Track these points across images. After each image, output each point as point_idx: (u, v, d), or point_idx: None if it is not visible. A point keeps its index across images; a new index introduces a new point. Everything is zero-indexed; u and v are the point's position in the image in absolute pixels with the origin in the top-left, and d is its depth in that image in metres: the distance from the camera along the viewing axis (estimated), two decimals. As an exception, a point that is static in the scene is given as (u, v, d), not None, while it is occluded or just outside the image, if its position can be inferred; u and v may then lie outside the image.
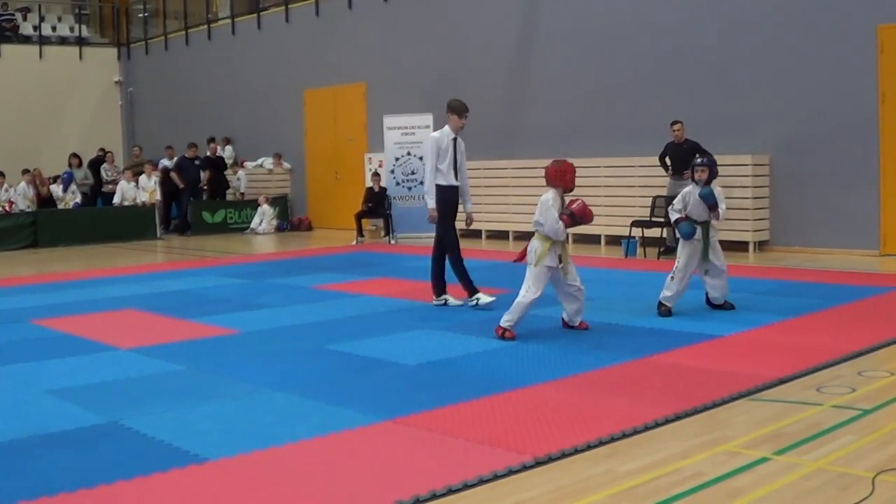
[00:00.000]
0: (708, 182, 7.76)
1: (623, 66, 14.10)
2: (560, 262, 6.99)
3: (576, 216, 7.01)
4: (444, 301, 8.65)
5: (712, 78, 13.02)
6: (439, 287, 8.68)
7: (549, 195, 7.03)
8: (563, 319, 7.33)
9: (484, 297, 8.44)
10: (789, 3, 12.25)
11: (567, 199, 7.16)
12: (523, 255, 7.09)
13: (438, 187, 8.51)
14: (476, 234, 15.83)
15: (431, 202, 8.51)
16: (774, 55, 12.37)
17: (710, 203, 7.67)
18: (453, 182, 8.56)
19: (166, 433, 4.71)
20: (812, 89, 12.06)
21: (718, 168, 11.93)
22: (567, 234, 7.22)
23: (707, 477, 3.90)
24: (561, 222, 6.91)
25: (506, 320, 6.96)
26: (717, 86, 12.95)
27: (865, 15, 11.50)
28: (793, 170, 12.31)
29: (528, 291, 6.93)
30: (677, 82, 13.41)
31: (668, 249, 12.36)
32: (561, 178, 7.04)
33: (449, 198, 8.56)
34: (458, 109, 8.56)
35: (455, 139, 8.56)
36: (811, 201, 12.15)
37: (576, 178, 7.12)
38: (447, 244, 8.63)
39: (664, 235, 12.32)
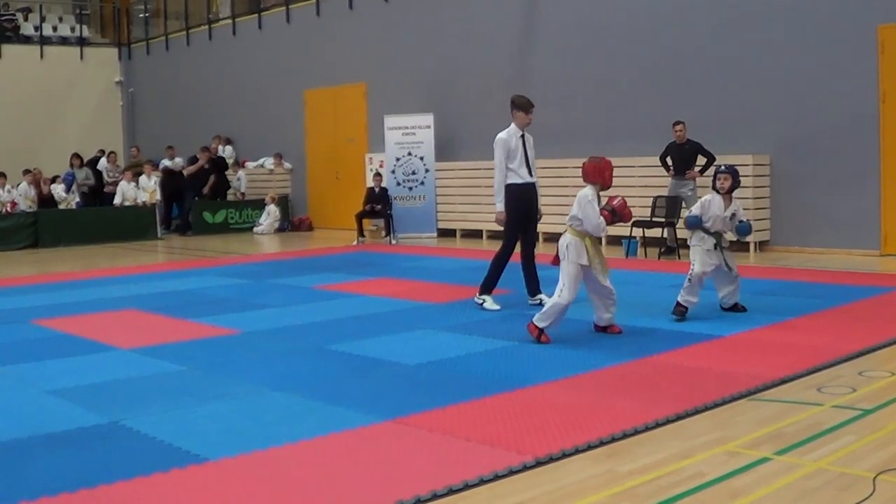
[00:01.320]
0: (730, 191, 7.62)
1: (623, 66, 14.10)
2: (590, 262, 6.79)
3: (616, 212, 6.91)
4: (538, 301, 8.37)
5: (713, 78, 13.02)
6: (532, 287, 8.53)
7: (588, 191, 6.87)
8: (594, 324, 7.12)
9: (490, 303, 8.41)
10: (790, 4, 12.24)
11: (605, 198, 7.04)
12: (557, 258, 6.89)
13: (511, 186, 8.32)
14: (477, 233, 15.85)
15: (500, 205, 8.31)
16: (775, 55, 12.37)
17: (745, 235, 7.73)
18: (527, 178, 8.37)
19: (167, 433, 4.71)
20: (813, 89, 12.06)
21: (710, 167, 12.14)
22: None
23: (708, 477, 3.89)
24: (602, 218, 6.79)
25: (541, 321, 6.73)
26: (718, 86, 12.95)
27: (866, 15, 11.50)
28: (793, 170, 12.31)
29: (562, 293, 6.67)
30: (678, 82, 13.41)
31: (668, 249, 12.36)
32: (599, 174, 6.90)
33: (523, 195, 8.36)
34: (523, 106, 8.36)
35: (523, 135, 8.41)
36: (812, 201, 12.14)
37: (613, 176, 6.99)
38: (505, 241, 8.54)
39: (665, 236, 12.33)
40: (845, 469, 3.93)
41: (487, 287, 8.47)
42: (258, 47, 20.98)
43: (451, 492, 3.79)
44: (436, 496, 3.75)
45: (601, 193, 7.04)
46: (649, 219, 12.43)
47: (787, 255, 12.00)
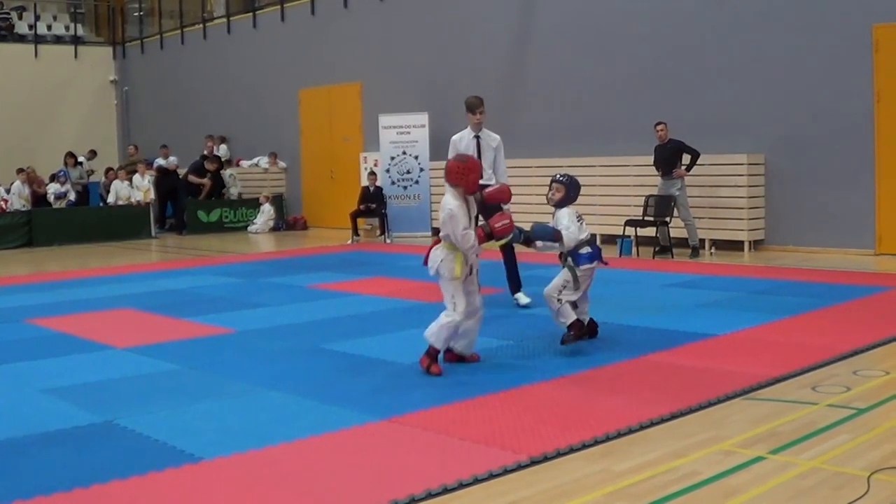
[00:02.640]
0: (563, 204, 6.46)
1: (619, 66, 14.10)
2: (470, 272, 5.97)
3: (494, 236, 5.92)
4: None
5: (708, 77, 13.02)
6: None
7: (453, 202, 5.84)
8: (449, 349, 6.08)
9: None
10: (785, 3, 12.25)
11: (475, 204, 6.06)
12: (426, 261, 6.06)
13: None
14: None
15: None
16: (770, 55, 12.38)
17: (547, 237, 6.38)
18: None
19: (162, 432, 4.70)
20: (807, 89, 12.07)
21: (705, 166, 12.15)
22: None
23: (702, 476, 3.90)
24: (475, 237, 5.85)
25: (435, 342, 5.87)
26: (713, 85, 12.96)
27: (861, 14, 11.51)
28: (788, 169, 12.33)
29: (452, 310, 5.86)
30: (672, 82, 13.41)
31: (662, 249, 12.37)
32: (461, 176, 5.88)
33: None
34: (468, 106, 8.36)
35: (477, 137, 8.36)
36: (806, 200, 12.16)
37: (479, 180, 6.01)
38: None
39: (658, 235, 12.34)
40: (840, 468, 3.93)
41: None
42: (253, 46, 20.95)
43: (445, 490, 3.80)
44: (430, 495, 3.76)
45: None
46: (642, 218, 12.45)
47: (782, 255, 12.02)
